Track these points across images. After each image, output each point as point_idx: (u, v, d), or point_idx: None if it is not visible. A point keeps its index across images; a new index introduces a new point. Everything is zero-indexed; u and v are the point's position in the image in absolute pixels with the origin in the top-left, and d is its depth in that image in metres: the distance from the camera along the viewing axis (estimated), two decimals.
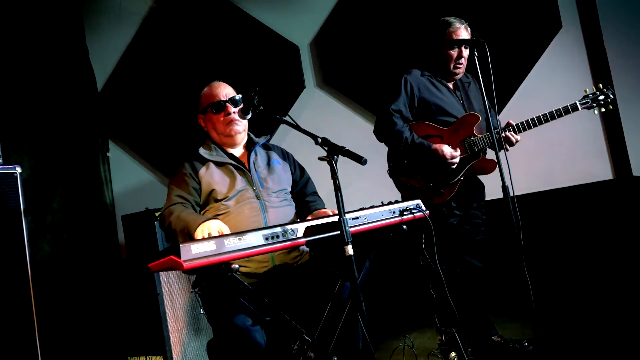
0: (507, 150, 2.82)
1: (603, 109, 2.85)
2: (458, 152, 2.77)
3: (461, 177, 2.81)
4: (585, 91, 2.85)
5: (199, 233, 2.00)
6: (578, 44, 3.81)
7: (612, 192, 3.67)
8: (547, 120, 2.77)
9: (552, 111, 2.77)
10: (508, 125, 2.82)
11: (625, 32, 3.72)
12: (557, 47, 3.82)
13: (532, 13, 3.84)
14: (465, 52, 2.86)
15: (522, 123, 2.79)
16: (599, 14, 3.75)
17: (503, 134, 2.77)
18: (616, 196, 3.65)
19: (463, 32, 2.84)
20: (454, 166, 2.77)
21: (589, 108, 2.83)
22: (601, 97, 2.83)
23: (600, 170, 3.72)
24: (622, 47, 3.70)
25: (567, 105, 2.78)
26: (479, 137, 2.78)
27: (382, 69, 4.08)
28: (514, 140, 2.81)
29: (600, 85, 2.86)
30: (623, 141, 3.68)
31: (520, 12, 3.86)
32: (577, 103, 2.80)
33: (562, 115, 2.77)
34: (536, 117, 2.78)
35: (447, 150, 2.74)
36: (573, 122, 3.76)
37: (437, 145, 2.76)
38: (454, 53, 2.84)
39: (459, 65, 2.87)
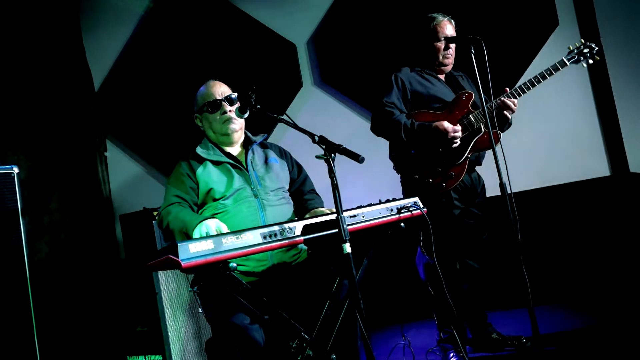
0: (509, 118, 2.84)
1: (591, 61, 2.91)
2: (459, 127, 2.76)
3: (468, 154, 2.80)
4: (569, 47, 2.91)
5: (197, 232, 2.00)
6: (575, 41, 3.77)
7: (609, 188, 3.67)
8: (538, 82, 2.80)
9: (543, 72, 2.81)
10: (504, 92, 2.83)
11: (622, 28, 3.72)
12: (554, 45, 3.82)
13: (529, 10, 3.84)
14: (452, 44, 2.92)
15: (515, 89, 2.81)
16: (596, 10, 3.76)
17: (499, 100, 2.79)
18: (613, 193, 3.66)
19: (447, 26, 2.91)
20: (457, 142, 2.76)
21: (576, 62, 2.90)
22: (586, 50, 2.89)
23: (597, 166, 3.73)
24: (618, 44, 3.70)
25: (555, 63, 2.83)
26: (477, 112, 2.79)
27: (379, 67, 4.07)
28: (511, 104, 2.80)
29: (583, 39, 2.92)
30: (620, 138, 3.69)
31: (516, 10, 3.86)
32: (564, 59, 2.86)
33: (552, 74, 2.82)
34: (528, 81, 2.81)
35: (447, 125, 2.74)
36: (570, 119, 3.79)
37: (437, 123, 2.76)
38: (441, 45, 2.89)
39: (448, 56, 2.92)
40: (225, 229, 2.00)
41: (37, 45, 4.27)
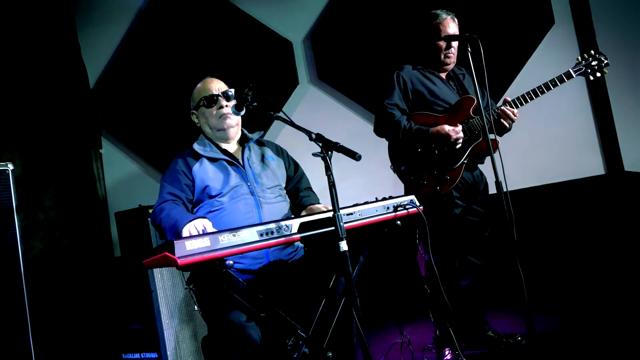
0: (508, 127, 2.81)
1: (598, 74, 2.84)
2: (460, 127, 2.75)
3: (464, 160, 2.80)
4: (577, 59, 2.85)
5: (186, 231, 2.00)
6: (570, 40, 3.82)
7: (604, 187, 3.69)
8: (542, 92, 2.76)
9: (547, 82, 2.76)
10: (505, 102, 2.81)
11: (618, 27, 3.74)
12: (549, 44, 3.83)
13: (525, 9, 3.84)
14: (455, 43, 2.89)
15: (518, 98, 2.78)
16: (591, 10, 3.77)
17: (499, 110, 2.77)
18: (608, 191, 3.67)
19: (450, 24, 2.87)
20: (459, 144, 2.75)
21: (583, 74, 2.83)
22: (594, 63, 2.83)
23: (592, 165, 3.75)
24: (614, 43, 3.72)
25: (561, 74, 2.78)
26: (478, 118, 2.77)
27: (376, 65, 4.08)
28: (511, 114, 2.77)
29: (592, 51, 2.86)
30: (615, 136, 3.71)
31: (512, 9, 3.86)
32: (571, 70, 2.80)
33: (557, 85, 2.76)
34: (531, 91, 2.77)
35: (448, 128, 2.73)
36: (566, 118, 3.80)
37: (436, 127, 2.75)
38: (443, 44, 2.86)
39: (450, 55, 2.89)
40: (210, 229, 2.01)
41: (31, 42, 4.24)
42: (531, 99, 2.78)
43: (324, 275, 2.24)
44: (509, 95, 2.81)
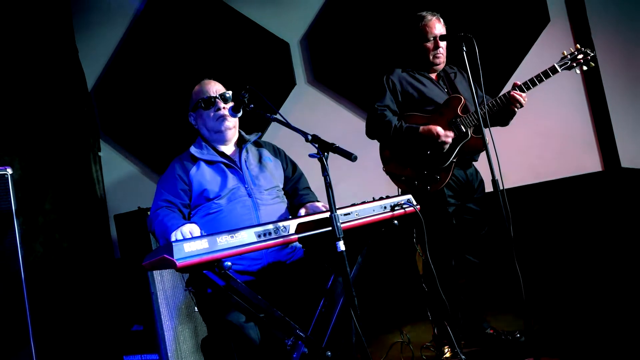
0: (515, 111, 2.81)
1: (585, 67, 2.82)
2: (451, 133, 2.77)
3: (454, 158, 2.81)
4: (563, 53, 2.84)
5: (174, 238, 2.01)
6: (566, 37, 3.83)
7: (601, 184, 3.70)
8: (528, 88, 2.76)
9: (532, 78, 2.76)
10: (514, 85, 2.80)
11: (613, 24, 3.75)
12: (545, 41, 3.84)
13: (520, 7, 3.85)
14: (442, 43, 2.91)
15: (525, 83, 2.78)
16: (587, 7, 3.78)
17: (508, 94, 2.76)
18: (605, 188, 3.68)
19: (436, 24, 2.90)
20: (447, 145, 2.77)
21: (569, 68, 2.82)
22: (580, 56, 2.81)
23: (589, 162, 3.76)
24: (609, 41, 3.73)
25: (546, 69, 2.77)
26: (466, 116, 2.80)
27: (372, 66, 4.09)
28: (521, 99, 2.75)
29: (579, 45, 2.85)
30: (612, 133, 3.71)
31: (508, 6, 3.87)
32: (556, 65, 2.79)
33: (542, 80, 2.75)
34: (529, 80, 2.76)
35: (440, 129, 2.75)
36: (562, 115, 3.81)
37: (425, 126, 2.78)
38: (431, 45, 2.89)
39: (439, 56, 2.91)
40: (197, 234, 2.02)
41: (29, 46, 4.25)
42: (533, 85, 2.76)
43: (323, 275, 2.25)
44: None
